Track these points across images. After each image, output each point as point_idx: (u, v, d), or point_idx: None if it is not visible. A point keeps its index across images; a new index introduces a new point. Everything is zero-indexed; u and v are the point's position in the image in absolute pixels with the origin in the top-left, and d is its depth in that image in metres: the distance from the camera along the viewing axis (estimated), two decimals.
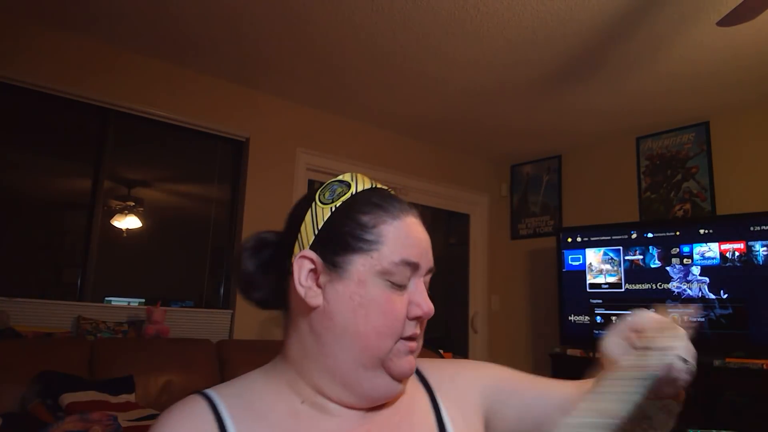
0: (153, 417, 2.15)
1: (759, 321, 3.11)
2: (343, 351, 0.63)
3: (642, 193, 4.04)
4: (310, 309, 0.65)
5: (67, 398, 2.09)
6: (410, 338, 0.65)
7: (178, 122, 3.27)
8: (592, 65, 3.08)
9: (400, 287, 0.64)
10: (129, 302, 3.15)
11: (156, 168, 3.47)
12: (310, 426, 0.64)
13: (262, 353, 3.43)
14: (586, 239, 3.83)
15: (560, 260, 3.92)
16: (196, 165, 3.56)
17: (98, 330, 2.75)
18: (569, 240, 3.90)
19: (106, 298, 3.06)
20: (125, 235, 3.24)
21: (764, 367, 2.94)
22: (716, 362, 3.14)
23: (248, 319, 3.34)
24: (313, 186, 3.89)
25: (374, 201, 0.67)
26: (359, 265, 0.63)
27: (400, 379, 0.65)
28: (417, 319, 0.65)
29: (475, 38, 2.84)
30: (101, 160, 3.07)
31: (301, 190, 3.73)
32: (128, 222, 3.24)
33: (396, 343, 0.63)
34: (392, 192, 0.70)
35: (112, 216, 3.17)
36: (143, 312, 2.98)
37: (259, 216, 3.49)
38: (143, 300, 3.17)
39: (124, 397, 2.32)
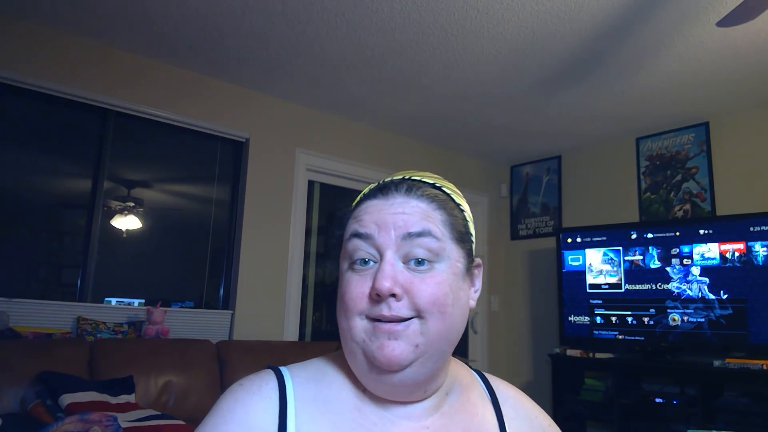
0: (153, 417, 2.15)
1: (759, 321, 3.11)
2: (341, 341, 0.65)
3: (642, 194, 4.04)
4: None
5: (67, 399, 2.09)
6: (379, 319, 0.60)
7: (178, 122, 3.27)
8: (592, 65, 3.08)
9: (361, 266, 0.62)
10: (129, 303, 3.15)
11: (156, 168, 3.47)
12: (374, 422, 0.63)
13: (262, 354, 3.42)
14: (586, 240, 3.83)
15: (560, 261, 3.92)
16: (196, 165, 3.56)
17: (98, 330, 2.75)
18: (569, 240, 3.90)
19: (106, 299, 3.06)
20: (125, 235, 3.24)
21: (764, 367, 2.94)
22: (716, 362, 3.14)
23: (248, 320, 3.34)
24: (313, 186, 3.90)
25: (359, 198, 0.69)
26: (340, 257, 0.67)
27: (383, 366, 0.60)
28: (378, 297, 0.60)
29: (475, 38, 2.84)
30: (101, 160, 3.07)
31: (301, 191, 3.73)
32: (128, 222, 3.24)
33: (362, 322, 0.61)
34: (401, 179, 0.68)
35: (111, 216, 3.17)
36: (143, 312, 2.98)
37: (259, 216, 3.49)
38: (143, 300, 3.17)
39: (124, 398, 2.32)
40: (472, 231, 0.71)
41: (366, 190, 0.69)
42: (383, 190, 0.66)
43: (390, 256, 0.61)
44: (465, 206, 0.71)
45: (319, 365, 0.69)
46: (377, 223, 0.63)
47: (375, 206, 0.65)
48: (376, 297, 0.60)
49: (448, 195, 0.69)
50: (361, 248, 0.63)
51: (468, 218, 0.70)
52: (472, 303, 0.69)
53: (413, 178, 0.69)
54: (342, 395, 0.65)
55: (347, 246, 0.64)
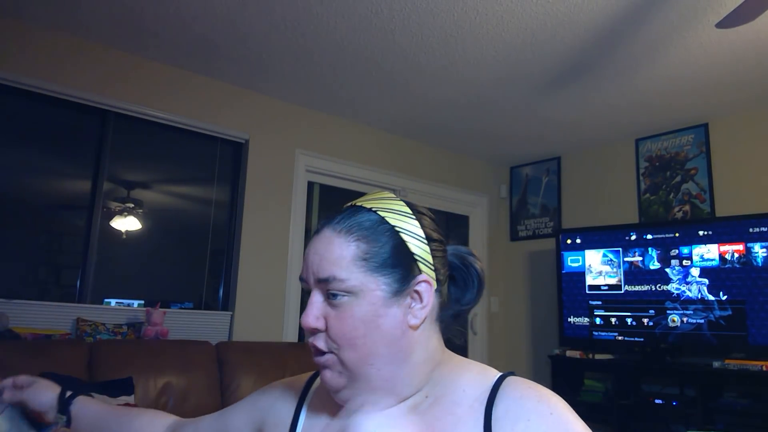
0: None
1: (758, 322, 3.12)
2: None
3: (641, 195, 4.04)
4: None
5: None
6: (315, 351, 0.70)
7: (178, 123, 3.27)
8: (591, 67, 3.09)
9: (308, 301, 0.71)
10: (128, 304, 3.14)
11: (155, 169, 3.47)
12: (355, 416, 0.71)
13: (261, 355, 3.41)
14: (585, 241, 3.83)
15: (559, 262, 3.92)
16: (195, 166, 3.56)
17: (97, 332, 2.75)
18: (569, 241, 3.90)
19: (106, 300, 3.06)
20: (125, 236, 3.24)
21: (763, 368, 2.94)
22: (716, 364, 3.14)
23: (248, 321, 3.34)
24: (312, 187, 3.90)
25: None
26: None
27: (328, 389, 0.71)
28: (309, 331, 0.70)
29: (474, 40, 2.84)
30: (101, 161, 3.07)
31: (301, 192, 3.73)
32: (128, 223, 3.24)
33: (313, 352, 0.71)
34: (348, 206, 0.74)
35: (111, 217, 3.17)
36: (142, 313, 2.98)
37: (259, 217, 3.49)
38: (142, 301, 3.17)
39: (123, 399, 2.31)
40: (416, 249, 0.70)
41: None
42: (319, 224, 0.73)
43: (313, 294, 0.70)
44: (406, 225, 0.71)
45: None
46: (307, 266, 0.70)
47: (309, 244, 0.72)
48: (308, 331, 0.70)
49: (381, 218, 0.70)
50: (305, 288, 0.72)
51: (408, 238, 0.70)
52: (414, 321, 0.69)
53: (353, 204, 0.74)
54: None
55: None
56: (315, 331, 0.68)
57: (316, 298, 0.69)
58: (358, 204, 0.73)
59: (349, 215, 0.71)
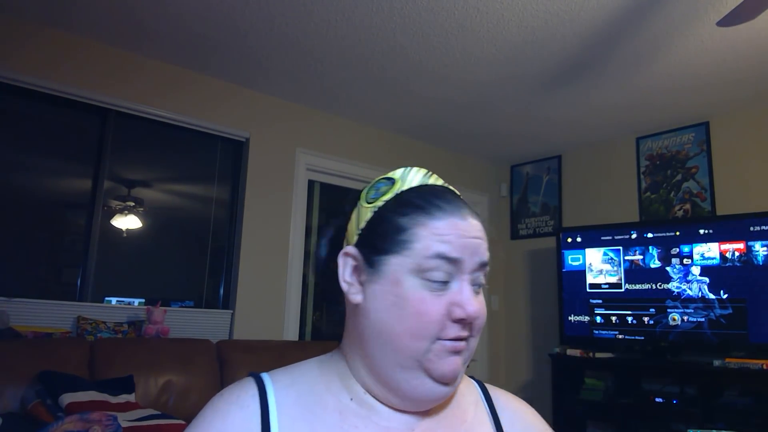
0: (153, 417, 2.15)
1: (759, 321, 3.11)
2: (380, 351, 0.63)
3: (642, 193, 4.04)
4: (355, 305, 0.65)
5: (67, 398, 2.09)
6: (452, 339, 0.62)
7: (178, 122, 3.27)
8: (592, 65, 3.08)
9: (439, 286, 0.61)
10: (129, 302, 3.15)
11: (156, 168, 3.47)
12: (356, 425, 0.63)
13: (262, 353, 3.41)
14: (586, 239, 3.83)
15: (560, 260, 3.92)
16: (196, 165, 3.56)
17: (98, 330, 2.75)
18: (569, 240, 3.90)
19: (106, 298, 3.06)
20: (125, 235, 3.24)
21: (764, 367, 2.94)
22: (716, 362, 3.14)
23: (248, 319, 3.34)
24: (313, 186, 3.90)
25: (415, 202, 0.65)
26: (394, 264, 0.62)
27: (442, 381, 0.62)
28: (461, 321, 0.61)
29: (475, 38, 2.84)
30: (101, 160, 3.07)
31: (302, 190, 3.73)
32: (128, 222, 3.24)
33: (433, 343, 0.61)
34: (445, 187, 0.69)
35: (112, 216, 3.17)
36: (143, 312, 2.98)
37: (260, 216, 3.49)
38: (143, 300, 3.17)
39: (124, 397, 2.32)
40: None
41: (415, 183, 0.68)
42: (452, 203, 0.65)
43: (464, 281, 0.63)
44: None
45: (303, 369, 0.69)
46: (467, 248, 0.62)
47: (457, 226, 0.63)
48: (459, 320, 0.61)
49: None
50: (442, 269, 0.61)
51: None
52: None
53: (444, 185, 0.70)
54: (326, 400, 0.65)
55: (424, 262, 0.61)
56: (473, 321, 0.63)
57: (469, 286, 0.63)
58: (444, 185, 0.70)
59: (461, 198, 0.68)
